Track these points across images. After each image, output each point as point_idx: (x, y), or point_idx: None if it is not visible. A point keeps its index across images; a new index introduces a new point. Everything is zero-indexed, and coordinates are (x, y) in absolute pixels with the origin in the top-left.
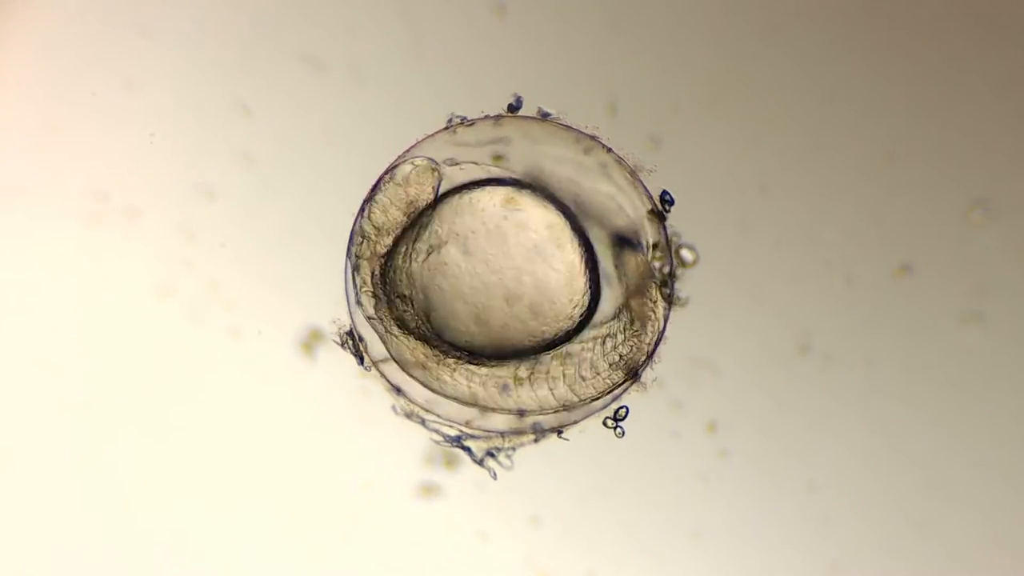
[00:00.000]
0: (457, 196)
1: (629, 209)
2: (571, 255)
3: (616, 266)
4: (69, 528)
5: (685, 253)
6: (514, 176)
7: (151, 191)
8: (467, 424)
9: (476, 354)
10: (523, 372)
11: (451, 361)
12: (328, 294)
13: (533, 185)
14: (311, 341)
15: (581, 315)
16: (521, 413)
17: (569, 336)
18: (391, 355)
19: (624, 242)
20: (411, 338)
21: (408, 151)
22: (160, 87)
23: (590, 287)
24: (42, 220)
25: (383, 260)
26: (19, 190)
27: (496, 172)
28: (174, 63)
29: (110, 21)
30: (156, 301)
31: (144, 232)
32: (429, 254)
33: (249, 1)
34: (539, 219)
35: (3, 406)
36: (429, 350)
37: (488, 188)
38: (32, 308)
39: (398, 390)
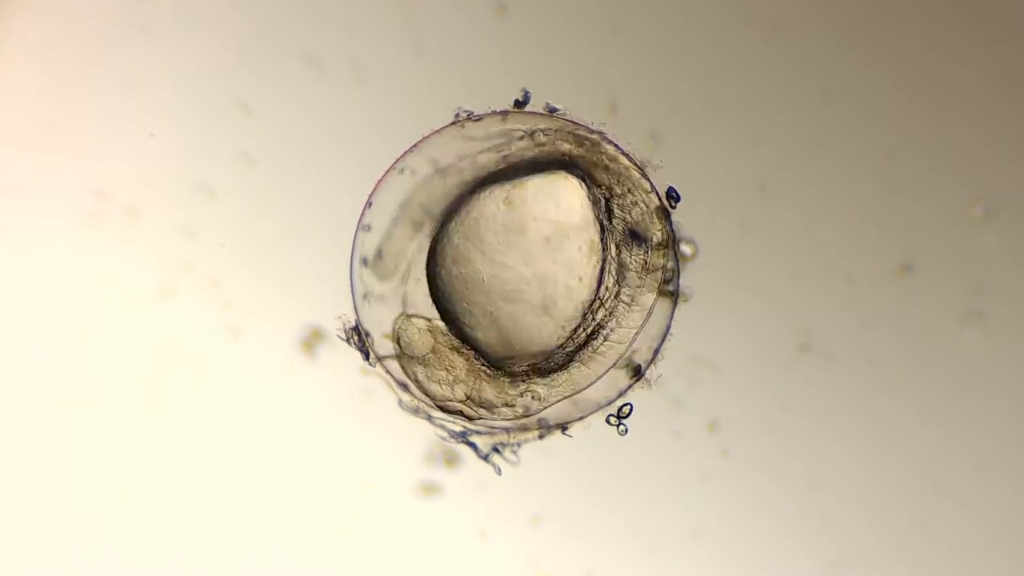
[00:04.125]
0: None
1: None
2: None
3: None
4: (69, 528)
5: (684, 247)
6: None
7: (151, 191)
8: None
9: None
10: (539, 388)
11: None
12: (329, 293)
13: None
14: (312, 340)
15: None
16: (526, 410)
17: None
18: (397, 352)
19: (635, 237)
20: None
21: (415, 146)
22: (160, 86)
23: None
24: (42, 220)
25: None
26: (19, 190)
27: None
28: (174, 62)
29: (110, 21)
30: (156, 301)
31: (144, 232)
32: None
33: (249, 1)
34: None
35: (3, 406)
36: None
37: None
38: (32, 308)
39: (404, 386)
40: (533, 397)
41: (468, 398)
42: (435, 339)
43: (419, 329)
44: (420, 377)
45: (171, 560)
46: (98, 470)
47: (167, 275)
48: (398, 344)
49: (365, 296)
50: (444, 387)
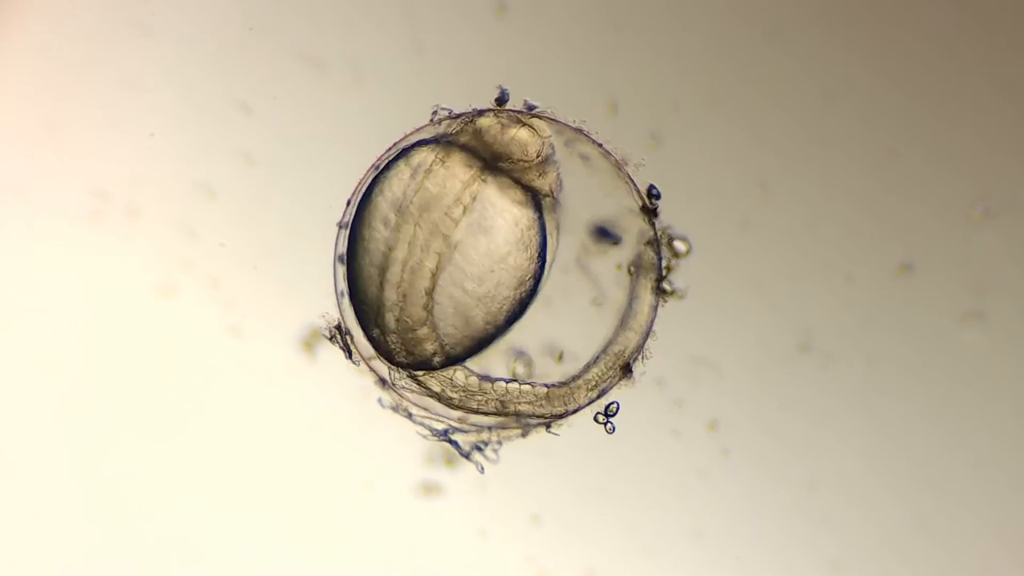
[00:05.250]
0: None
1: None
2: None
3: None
4: (69, 528)
5: (678, 244)
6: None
7: (151, 191)
8: (454, 418)
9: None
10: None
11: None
12: (329, 293)
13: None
14: (312, 340)
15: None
16: (503, 405)
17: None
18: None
19: (604, 235)
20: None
21: (394, 146)
22: (160, 86)
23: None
24: (42, 220)
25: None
26: (19, 190)
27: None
28: (174, 62)
29: (110, 20)
30: (156, 301)
31: (145, 231)
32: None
33: (249, 1)
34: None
35: (3, 406)
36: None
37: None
38: (32, 308)
39: (384, 383)
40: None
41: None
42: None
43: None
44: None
45: (171, 559)
46: (98, 470)
47: (167, 275)
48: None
49: (343, 293)
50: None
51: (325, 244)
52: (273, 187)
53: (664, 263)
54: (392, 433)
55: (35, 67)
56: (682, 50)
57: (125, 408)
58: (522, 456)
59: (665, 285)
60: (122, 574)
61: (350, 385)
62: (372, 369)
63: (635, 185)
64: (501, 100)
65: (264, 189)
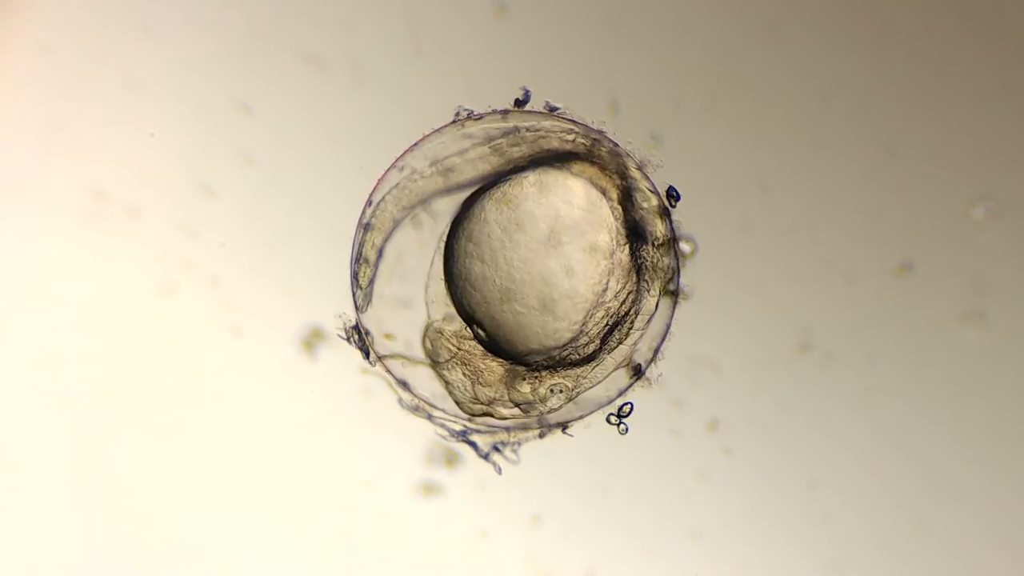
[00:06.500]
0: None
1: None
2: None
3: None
4: (69, 528)
5: (683, 245)
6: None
7: (151, 190)
8: (472, 419)
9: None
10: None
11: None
12: (329, 293)
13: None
14: (312, 340)
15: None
16: (525, 408)
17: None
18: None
19: (636, 234)
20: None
21: (415, 145)
22: (161, 86)
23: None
24: (42, 220)
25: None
26: (19, 190)
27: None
28: (175, 62)
29: (110, 20)
30: (156, 300)
31: (144, 232)
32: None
33: (249, 1)
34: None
35: (3, 406)
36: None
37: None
38: (32, 308)
39: (404, 384)
40: (561, 390)
41: (493, 401)
42: (459, 345)
43: (440, 334)
44: (450, 385)
45: (171, 559)
46: (98, 470)
47: (167, 274)
48: (429, 353)
49: (364, 295)
50: (466, 392)
51: (326, 243)
52: (273, 187)
53: (669, 264)
54: (392, 433)
55: (35, 67)
56: (682, 50)
57: (125, 408)
58: (522, 456)
59: (672, 286)
60: (122, 573)
61: (350, 385)
62: (388, 369)
63: (655, 187)
64: (522, 102)
65: (264, 189)
